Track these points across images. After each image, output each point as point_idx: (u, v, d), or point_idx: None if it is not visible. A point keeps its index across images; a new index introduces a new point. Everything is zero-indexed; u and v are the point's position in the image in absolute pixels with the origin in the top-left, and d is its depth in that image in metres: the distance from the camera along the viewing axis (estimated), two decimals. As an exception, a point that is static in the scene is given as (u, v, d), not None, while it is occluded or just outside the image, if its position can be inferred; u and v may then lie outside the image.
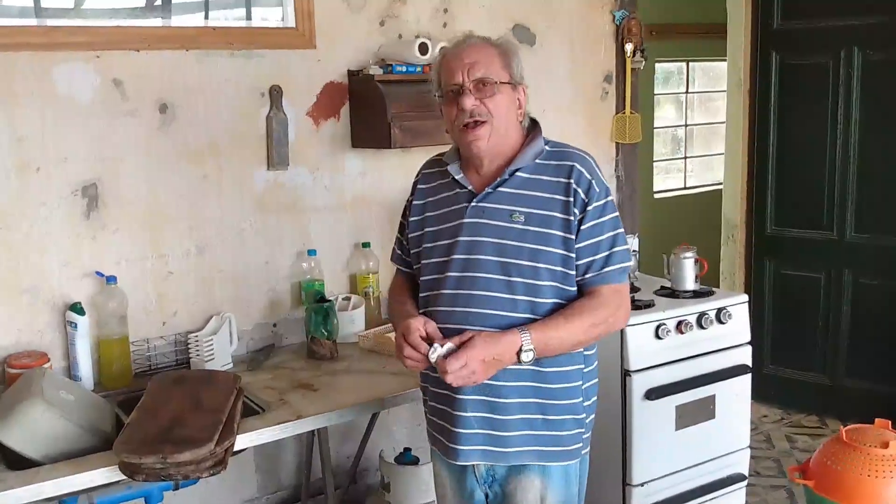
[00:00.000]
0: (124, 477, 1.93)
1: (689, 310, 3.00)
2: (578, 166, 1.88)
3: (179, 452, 1.90)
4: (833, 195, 4.10)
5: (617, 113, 3.74)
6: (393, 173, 3.10)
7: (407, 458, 2.97)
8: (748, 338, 3.13)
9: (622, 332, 2.80)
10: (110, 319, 2.56)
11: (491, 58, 1.88)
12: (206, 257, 2.78)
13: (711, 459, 3.06)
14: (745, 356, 3.11)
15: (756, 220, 4.41)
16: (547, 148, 1.94)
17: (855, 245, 4.08)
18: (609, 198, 1.90)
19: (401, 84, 2.89)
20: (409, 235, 2.05)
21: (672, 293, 3.12)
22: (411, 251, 2.05)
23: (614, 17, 3.66)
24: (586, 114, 3.66)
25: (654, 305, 2.98)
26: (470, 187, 1.94)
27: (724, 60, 4.59)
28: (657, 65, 6.08)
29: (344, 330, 2.82)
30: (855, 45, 3.96)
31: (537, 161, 1.91)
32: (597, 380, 2.01)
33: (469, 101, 1.85)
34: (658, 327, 2.90)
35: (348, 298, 2.99)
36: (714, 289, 3.23)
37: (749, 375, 3.11)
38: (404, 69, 2.92)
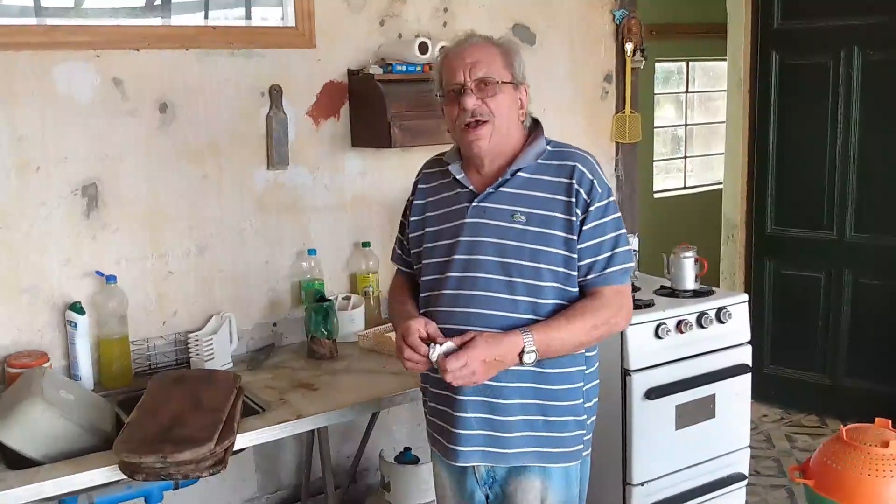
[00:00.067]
0: (124, 476, 1.93)
1: (689, 309, 3.00)
2: (580, 166, 1.87)
3: (179, 452, 1.90)
4: (833, 195, 4.10)
5: (617, 112, 3.74)
6: (393, 173, 3.10)
7: (407, 457, 2.97)
8: (748, 337, 3.13)
9: (622, 331, 2.80)
10: (110, 319, 2.56)
11: (493, 57, 1.88)
12: (206, 257, 2.78)
13: (711, 459, 3.06)
14: (745, 356, 3.11)
15: (756, 220, 4.42)
16: (549, 148, 1.93)
17: (855, 245, 4.08)
18: (611, 198, 1.89)
19: (401, 83, 2.89)
20: (410, 235, 2.04)
21: (672, 293, 3.12)
22: (412, 251, 2.04)
23: (614, 16, 3.66)
24: (586, 113, 3.66)
25: (653, 305, 2.98)
26: (471, 187, 1.93)
27: (724, 60, 4.59)
28: (657, 64, 6.08)
29: (344, 329, 2.83)
30: (855, 45, 3.96)
31: (539, 161, 1.90)
32: (598, 381, 2.00)
33: (471, 101, 1.85)
34: (658, 327, 2.90)
35: (348, 298, 2.99)
36: (714, 288, 3.23)
37: (749, 375, 3.11)
38: (404, 69, 2.92)
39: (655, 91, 6.18)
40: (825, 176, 4.11)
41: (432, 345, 1.79)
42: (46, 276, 2.52)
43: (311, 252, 2.95)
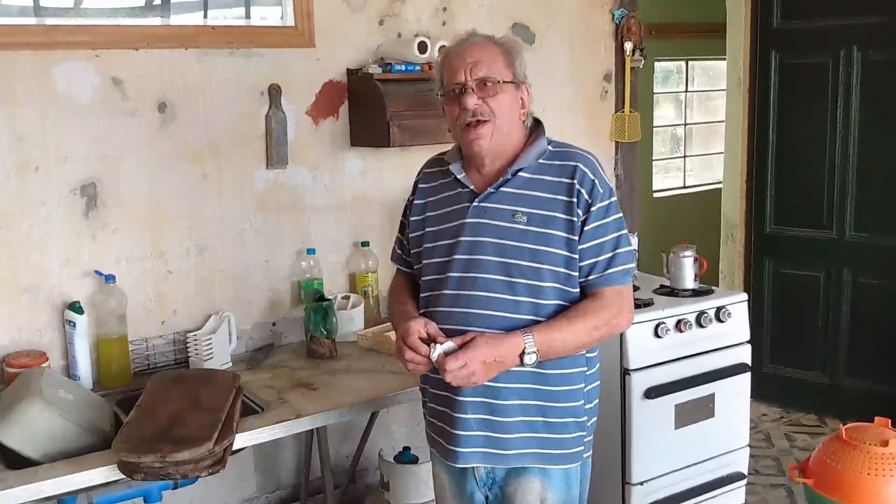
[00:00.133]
0: (123, 476, 1.93)
1: (689, 308, 3.00)
2: (582, 167, 1.87)
3: (178, 451, 1.90)
4: (832, 194, 4.11)
5: (616, 112, 3.74)
6: (392, 172, 3.10)
7: (406, 457, 2.96)
8: (747, 336, 3.14)
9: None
10: (109, 318, 2.56)
11: (494, 57, 1.87)
12: (205, 257, 2.78)
13: (711, 458, 3.07)
14: (744, 355, 3.11)
15: (755, 219, 4.42)
16: (550, 148, 1.92)
17: (854, 244, 4.08)
18: (613, 199, 1.89)
19: (400, 83, 2.89)
20: (410, 235, 2.04)
21: (671, 292, 3.12)
22: (412, 251, 2.04)
23: (614, 16, 3.66)
24: (586, 113, 3.66)
25: (653, 304, 2.98)
26: (472, 187, 1.93)
27: (724, 60, 4.59)
28: (656, 64, 6.08)
29: (343, 329, 2.83)
30: (855, 45, 3.96)
31: (540, 161, 1.90)
32: (599, 382, 2.00)
33: (471, 101, 1.84)
34: (657, 326, 2.90)
35: (347, 297, 2.99)
36: (713, 287, 3.23)
37: (748, 374, 3.12)
38: (403, 68, 2.92)
39: (655, 90, 6.19)
40: (825, 175, 4.11)
41: (433, 344, 1.79)
42: (46, 276, 2.52)
43: (311, 252, 2.95)
